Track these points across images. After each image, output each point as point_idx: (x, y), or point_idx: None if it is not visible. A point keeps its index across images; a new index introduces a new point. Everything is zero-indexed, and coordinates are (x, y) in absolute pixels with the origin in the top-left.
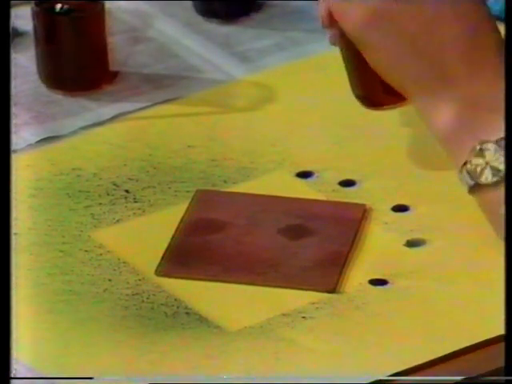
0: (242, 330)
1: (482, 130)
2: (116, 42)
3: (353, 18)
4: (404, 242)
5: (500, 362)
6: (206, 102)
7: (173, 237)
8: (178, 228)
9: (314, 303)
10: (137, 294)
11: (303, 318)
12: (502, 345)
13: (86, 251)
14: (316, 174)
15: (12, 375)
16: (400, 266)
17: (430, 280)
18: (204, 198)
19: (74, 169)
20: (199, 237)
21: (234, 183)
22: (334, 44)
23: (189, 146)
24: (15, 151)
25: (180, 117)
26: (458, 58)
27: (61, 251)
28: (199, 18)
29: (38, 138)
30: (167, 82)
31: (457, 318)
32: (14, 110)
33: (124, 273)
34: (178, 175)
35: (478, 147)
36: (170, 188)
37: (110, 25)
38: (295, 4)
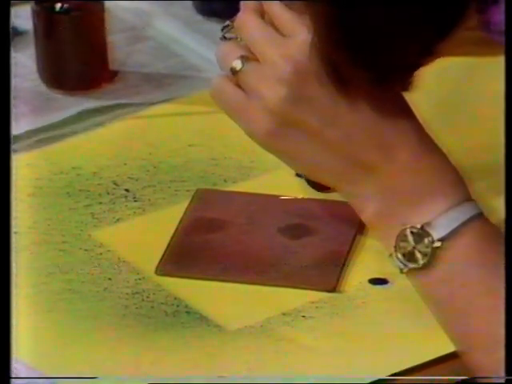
0: (241, 329)
1: (407, 215)
2: (116, 41)
3: (255, 130)
4: None
5: None
6: (206, 101)
7: (173, 236)
8: (178, 227)
9: (314, 302)
10: (137, 292)
11: (303, 317)
12: None
13: (86, 250)
14: None
15: (12, 375)
16: None
17: None
18: (204, 197)
19: (73, 168)
20: (199, 236)
21: (234, 182)
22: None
23: (189, 145)
24: (15, 148)
25: (180, 116)
26: (366, 143)
27: (61, 250)
28: (199, 18)
29: (37, 126)
30: (167, 81)
31: None
32: (13, 109)
33: (124, 272)
34: (178, 174)
35: (403, 232)
36: (170, 187)
37: (110, 24)
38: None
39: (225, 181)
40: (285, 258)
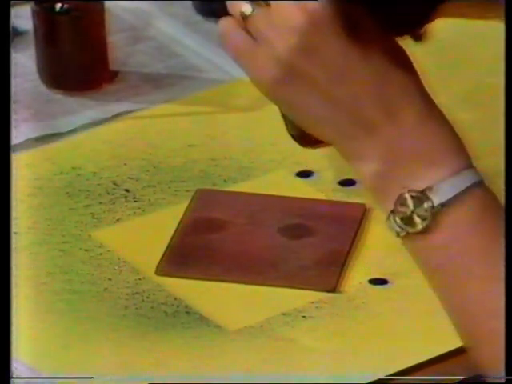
0: (241, 330)
1: (407, 179)
2: (116, 42)
3: (260, 76)
4: None
5: None
6: (205, 101)
7: (173, 236)
8: (177, 227)
9: (314, 303)
10: (137, 293)
11: (303, 317)
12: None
13: (85, 250)
14: (316, 174)
15: (12, 375)
16: (400, 265)
17: None
18: (204, 198)
19: (73, 168)
20: (199, 236)
21: (234, 182)
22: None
23: (189, 146)
24: (15, 148)
25: (180, 116)
26: (372, 103)
27: (61, 250)
28: (199, 18)
29: (38, 134)
30: (167, 82)
31: None
32: (13, 108)
33: (124, 272)
34: (178, 174)
35: (403, 196)
36: (169, 187)
37: (110, 24)
38: None
39: (225, 181)
40: (285, 258)
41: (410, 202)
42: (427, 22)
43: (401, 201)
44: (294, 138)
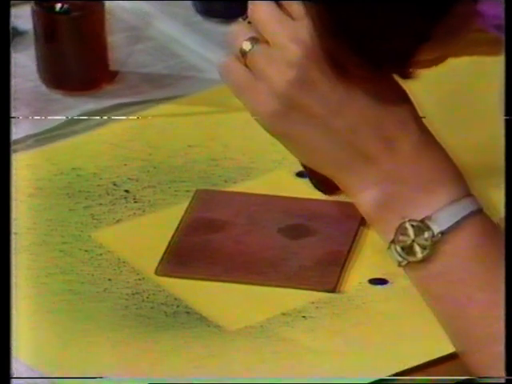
0: (241, 330)
1: (407, 208)
2: (116, 41)
3: (261, 111)
4: None
5: None
6: (205, 101)
7: (173, 236)
8: (178, 228)
9: (314, 303)
10: (137, 293)
11: (303, 317)
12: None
13: (85, 251)
14: None
15: (12, 375)
16: None
17: None
18: (204, 198)
19: (73, 168)
20: (199, 236)
21: (234, 183)
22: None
23: (189, 146)
24: (15, 147)
25: (180, 116)
26: (369, 134)
27: (61, 251)
28: (199, 18)
29: (37, 131)
30: (167, 82)
31: None
32: (13, 108)
33: (124, 272)
34: (177, 175)
35: (403, 225)
36: (170, 188)
37: (110, 24)
38: None
39: (225, 181)
40: (285, 258)
41: (410, 232)
42: (411, 61)
43: (401, 230)
44: (314, 184)
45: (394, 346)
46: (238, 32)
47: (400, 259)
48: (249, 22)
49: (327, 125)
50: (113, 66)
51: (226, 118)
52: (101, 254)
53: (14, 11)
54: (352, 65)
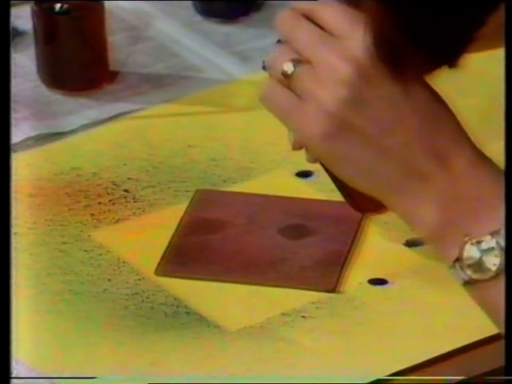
0: (241, 330)
1: (470, 225)
2: (116, 42)
3: (310, 132)
4: (404, 241)
5: (500, 361)
6: (205, 101)
7: (173, 236)
8: (177, 228)
9: (313, 303)
10: (136, 293)
11: (303, 317)
12: (502, 344)
13: (85, 251)
14: (316, 174)
15: (12, 375)
16: (400, 265)
17: (429, 280)
18: (204, 198)
19: (73, 168)
20: (199, 236)
21: (233, 183)
22: (311, 162)
23: (189, 146)
24: (15, 147)
25: (180, 116)
26: (423, 151)
27: (60, 251)
28: (199, 18)
29: (38, 133)
30: (167, 82)
31: (456, 318)
32: (13, 108)
33: (124, 272)
34: (177, 175)
35: (468, 243)
36: (169, 188)
37: (110, 24)
38: (295, 4)
39: (224, 181)
40: (285, 258)
41: (476, 249)
42: (466, 49)
43: (466, 248)
44: (350, 206)
45: (394, 345)
46: (276, 55)
47: (466, 278)
48: (278, 41)
49: (380, 144)
50: (113, 66)
51: (226, 117)
52: (100, 254)
53: (13, 11)
54: (411, 58)
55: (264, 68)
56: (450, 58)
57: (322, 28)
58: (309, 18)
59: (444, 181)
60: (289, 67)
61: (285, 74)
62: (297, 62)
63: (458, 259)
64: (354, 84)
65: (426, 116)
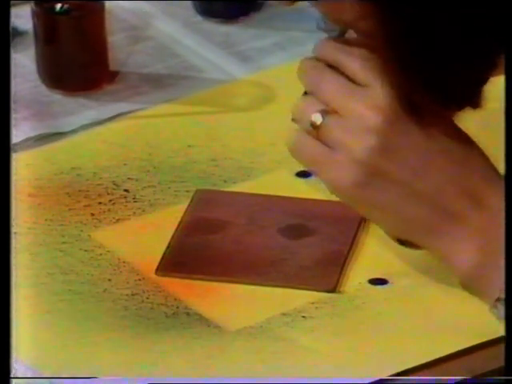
0: (241, 330)
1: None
2: (116, 42)
3: (341, 182)
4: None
5: (500, 361)
6: (205, 101)
7: (173, 236)
8: (177, 228)
9: (313, 303)
10: (137, 293)
11: (303, 317)
12: (502, 345)
13: (85, 251)
14: None
15: (12, 375)
16: (400, 265)
17: (430, 280)
18: (204, 198)
19: (73, 168)
20: (199, 237)
21: (234, 183)
22: None
23: (189, 146)
24: (15, 147)
25: (180, 116)
26: (456, 193)
27: (60, 251)
28: (199, 18)
29: (38, 133)
30: (167, 82)
31: (457, 318)
32: (13, 108)
33: (124, 273)
34: (177, 175)
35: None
36: (169, 188)
37: (110, 24)
38: (295, 4)
39: (225, 181)
40: (285, 258)
41: None
42: (482, 87)
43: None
44: (402, 243)
45: (394, 345)
46: (304, 106)
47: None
48: (305, 93)
49: (412, 189)
50: (113, 66)
51: (226, 117)
52: (100, 254)
53: (14, 11)
54: (429, 108)
55: (293, 120)
56: (468, 100)
57: (346, 77)
58: (332, 66)
59: (479, 221)
60: (317, 118)
61: (314, 125)
62: (325, 113)
63: (499, 299)
64: (382, 132)
65: (456, 158)
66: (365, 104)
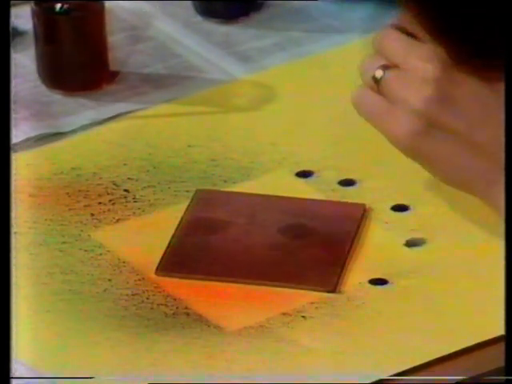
0: (241, 330)
1: None
2: (116, 42)
3: (400, 132)
4: (404, 241)
5: (500, 361)
6: (206, 101)
7: (173, 236)
8: (177, 228)
9: (313, 303)
10: (136, 293)
11: (303, 317)
12: (502, 345)
13: (85, 251)
14: (316, 174)
15: (12, 375)
16: (400, 265)
17: (430, 280)
18: (204, 198)
19: (73, 168)
20: (199, 236)
21: (234, 183)
22: None
23: (189, 146)
24: (15, 147)
25: (180, 116)
26: None
27: (60, 251)
28: (199, 18)
29: (38, 133)
30: (167, 82)
31: (457, 318)
32: (13, 108)
33: (124, 273)
34: (177, 175)
35: None
36: (169, 188)
37: (110, 24)
38: (295, 4)
39: (225, 181)
40: (285, 258)
41: None
42: None
43: None
44: None
45: (394, 345)
46: (369, 63)
47: None
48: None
49: (469, 139)
50: (113, 66)
51: (226, 117)
52: (100, 254)
53: (14, 11)
54: (482, 63)
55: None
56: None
57: (409, 35)
58: (399, 28)
59: None
60: (379, 73)
61: (375, 80)
62: (386, 68)
63: None
64: (438, 82)
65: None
66: (423, 57)
